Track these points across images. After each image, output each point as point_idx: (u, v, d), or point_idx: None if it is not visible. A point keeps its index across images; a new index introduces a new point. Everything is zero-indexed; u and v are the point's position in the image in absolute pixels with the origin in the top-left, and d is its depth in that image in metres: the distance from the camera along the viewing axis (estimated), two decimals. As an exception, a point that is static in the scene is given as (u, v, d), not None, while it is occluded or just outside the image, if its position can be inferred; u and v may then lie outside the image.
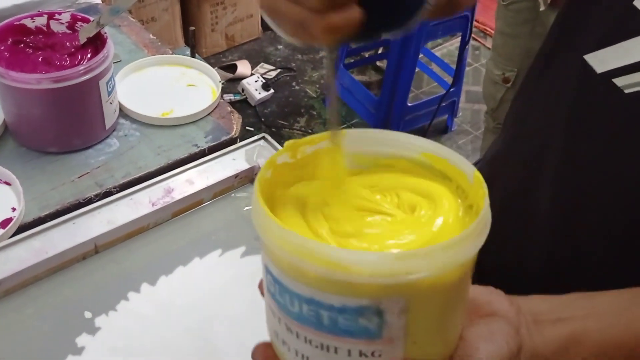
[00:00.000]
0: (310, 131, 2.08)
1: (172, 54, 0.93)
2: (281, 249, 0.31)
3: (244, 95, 2.17)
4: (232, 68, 2.23)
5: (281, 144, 2.01)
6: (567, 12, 0.52)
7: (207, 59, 2.23)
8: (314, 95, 2.27)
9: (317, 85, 2.32)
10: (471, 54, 2.41)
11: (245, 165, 0.75)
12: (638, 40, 0.43)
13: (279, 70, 2.34)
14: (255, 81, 2.18)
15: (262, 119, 2.11)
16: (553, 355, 0.40)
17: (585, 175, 0.50)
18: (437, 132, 2.11)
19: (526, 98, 0.58)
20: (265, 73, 2.30)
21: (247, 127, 2.04)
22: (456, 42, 2.23)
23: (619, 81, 0.45)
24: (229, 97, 2.13)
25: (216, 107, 0.85)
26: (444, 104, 1.99)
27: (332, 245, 0.33)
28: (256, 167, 0.75)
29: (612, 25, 0.45)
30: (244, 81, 2.18)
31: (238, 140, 0.82)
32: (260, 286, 0.38)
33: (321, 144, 0.39)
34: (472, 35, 2.45)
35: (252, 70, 2.28)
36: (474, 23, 2.51)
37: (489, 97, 1.54)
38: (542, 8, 1.21)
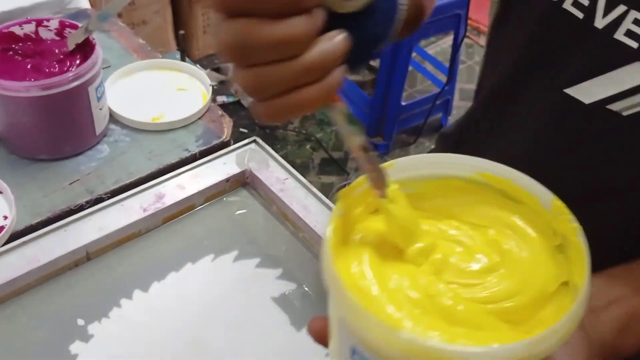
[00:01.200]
0: (304, 132, 2.08)
1: (162, 58, 0.93)
2: (391, 349, 0.29)
3: (237, 96, 2.17)
4: (225, 70, 2.23)
5: (275, 145, 1.99)
6: (535, 46, 0.53)
7: (199, 61, 2.23)
8: (308, 96, 2.27)
9: (311, 86, 2.32)
10: (465, 52, 2.41)
11: (236, 169, 0.75)
12: (625, 70, 0.45)
13: (272, 71, 2.34)
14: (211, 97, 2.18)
15: (256, 120, 2.11)
16: (616, 340, 0.41)
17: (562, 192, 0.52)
18: (431, 130, 2.11)
19: (493, 125, 0.60)
20: (258, 74, 2.30)
21: (240, 129, 2.04)
22: (449, 40, 2.23)
23: (615, 106, 0.47)
24: (222, 98, 2.13)
25: (207, 110, 0.85)
26: (438, 103, 2.00)
27: (447, 343, 0.31)
28: (247, 170, 0.75)
29: (594, 58, 0.47)
30: (237, 83, 2.18)
31: (231, 142, 0.82)
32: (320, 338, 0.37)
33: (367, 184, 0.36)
34: (466, 33, 2.46)
35: (245, 71, 2.28)
36: (467, 21, 2.51)
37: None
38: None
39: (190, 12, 2.14)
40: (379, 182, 0.35)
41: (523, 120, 0.54)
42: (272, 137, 2.05)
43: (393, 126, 2.02)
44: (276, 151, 0.78)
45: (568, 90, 0.49)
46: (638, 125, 0.46)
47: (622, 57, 0.45)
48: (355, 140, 0.34)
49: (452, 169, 0.38)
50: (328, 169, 1.99)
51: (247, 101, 2.14)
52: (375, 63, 2.38)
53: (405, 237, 0.35)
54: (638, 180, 0.50)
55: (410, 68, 1.97)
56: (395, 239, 0.36)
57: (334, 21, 0.32)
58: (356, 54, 0.33)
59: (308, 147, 2.07)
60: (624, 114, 0.46)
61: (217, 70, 2.42)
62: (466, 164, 0.37)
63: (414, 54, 1.97)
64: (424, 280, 0.34)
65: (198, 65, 2.25)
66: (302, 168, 1.97)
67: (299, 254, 0.70)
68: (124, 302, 0.63)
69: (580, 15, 0.46)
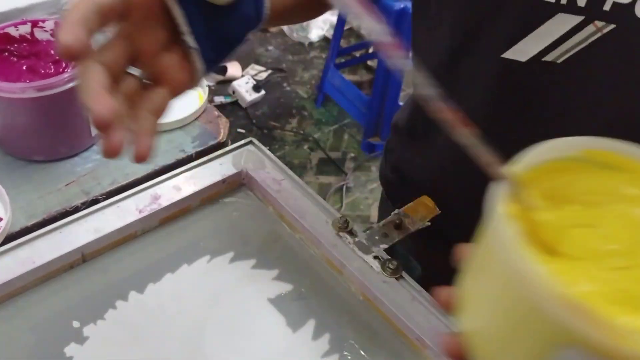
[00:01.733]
0: (302, 132, 2.08)
1: (158, 59, 0.93)
2: None
3: (235, 97, 2.17)
4: (223, 70, 2.22)
5: (273, 145, 2.00)
6: (462, 24, 0.58)
7: (197, 62, 2.23)
8: (305, 96, 2.27)
9: (308, 86, 2.32)
10: (461, 52, 2.42)
11: (232, 170, 0.75)
12: (550, 23, 0.51)
13: (269, 71, 2.34)
14: (246, 83, 2.18)
15: (254, 121, 2.11)
16: None
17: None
18: (428, 130, 2.11)
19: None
20: (256, 74, 2.30)
21: (238, 130, 2.04)
22: (446, 40, 2.23)
23: (549, 57, 0.53)
24: (219, 99, 2.13)
25: (203, 111, 0.85)
26: (435, 103, 2.00)
27: None
28: (244, 171, 0.75)
29: (520, 20, 0.52)
30: (235, 83, 2.18)
31: (229, 142, 0.82)
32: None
33: None
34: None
35: (242, 71, 2.28)
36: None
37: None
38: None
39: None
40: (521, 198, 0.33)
41: (466, 96, 0.58)
42: (270, 138, 2.04)
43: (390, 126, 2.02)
44: (274, 152, 0.78)
45: (505, 55, 0.54)
46: (573, 68, 0.53)
47: (544, 12, 0.50)
48: (498, 167, 0.33)
49: (552, 153, 0.36)
50: (326, 169, 1.99)
51: (245, 102, 2.13)
52: (373, 63, 2.38)
53: (559, 238, 0.33)
54: (581, 121, 0.55)
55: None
56: (551, 244, 0.33)
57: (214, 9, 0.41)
58: (231, 38, 0.39)
59: (306, 147, 2.07)
60: (559, 61, 0.53)
61: (216, 70, 2.44)
62: (564, 144, 0.36)
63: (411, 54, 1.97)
64: (610, 275, 0.31)
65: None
66: (300, 168, 1.97)
67: (295, 256, 0.70)
68: (119, 303, 0.63)
69: None
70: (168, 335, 0.60)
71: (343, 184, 1.94)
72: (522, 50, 0.53)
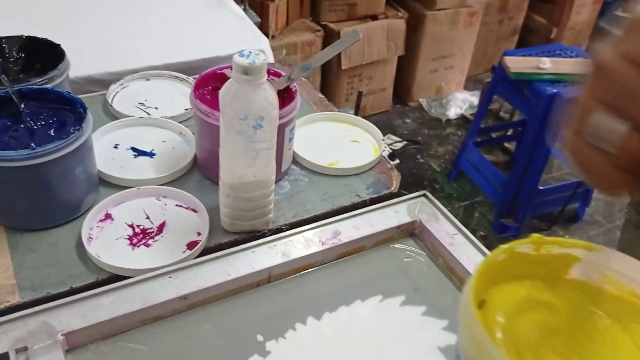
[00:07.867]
0: (432, 204, 2.10)
1: (338, 111, 1.00)
2: None
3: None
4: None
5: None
6: None
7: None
8: (438, 169, 2.29)
9: (442, 160, 2.34)
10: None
11: (407, 219, 0.78)
12: None
13: (405, 142, 2.40)
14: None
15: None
16: None
17: None
18: (566, 220, 2.03)
19: None
20: (391, 144, 2.37)
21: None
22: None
23: None
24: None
25: (377, 163, 0.90)
26: (577, 191, 1.93)
27: None
28: (417, 221, 0.78)
29: None
30: (372, 149, 2.26)
31: (403, 194, 0.85)
32: None
33: (572, 249, 0.42)
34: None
35: (379, 140, 2.36)
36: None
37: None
38: None
39: (336, 81, 2.28)
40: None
41: None
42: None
43: (527, 210, 1.97)
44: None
45: None
46: None
47: None
48: None
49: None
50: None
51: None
52: (510, 145, 2.36)
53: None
54: None
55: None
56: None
57: None
58: None
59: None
60: None
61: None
62: None
63: (555, 140, 1.94)
64: None
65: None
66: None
67: (464, 309, 0.70)
68: (298, 326, 0.66)
69: None
70: (342, 364, 0.62)
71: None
72: None
